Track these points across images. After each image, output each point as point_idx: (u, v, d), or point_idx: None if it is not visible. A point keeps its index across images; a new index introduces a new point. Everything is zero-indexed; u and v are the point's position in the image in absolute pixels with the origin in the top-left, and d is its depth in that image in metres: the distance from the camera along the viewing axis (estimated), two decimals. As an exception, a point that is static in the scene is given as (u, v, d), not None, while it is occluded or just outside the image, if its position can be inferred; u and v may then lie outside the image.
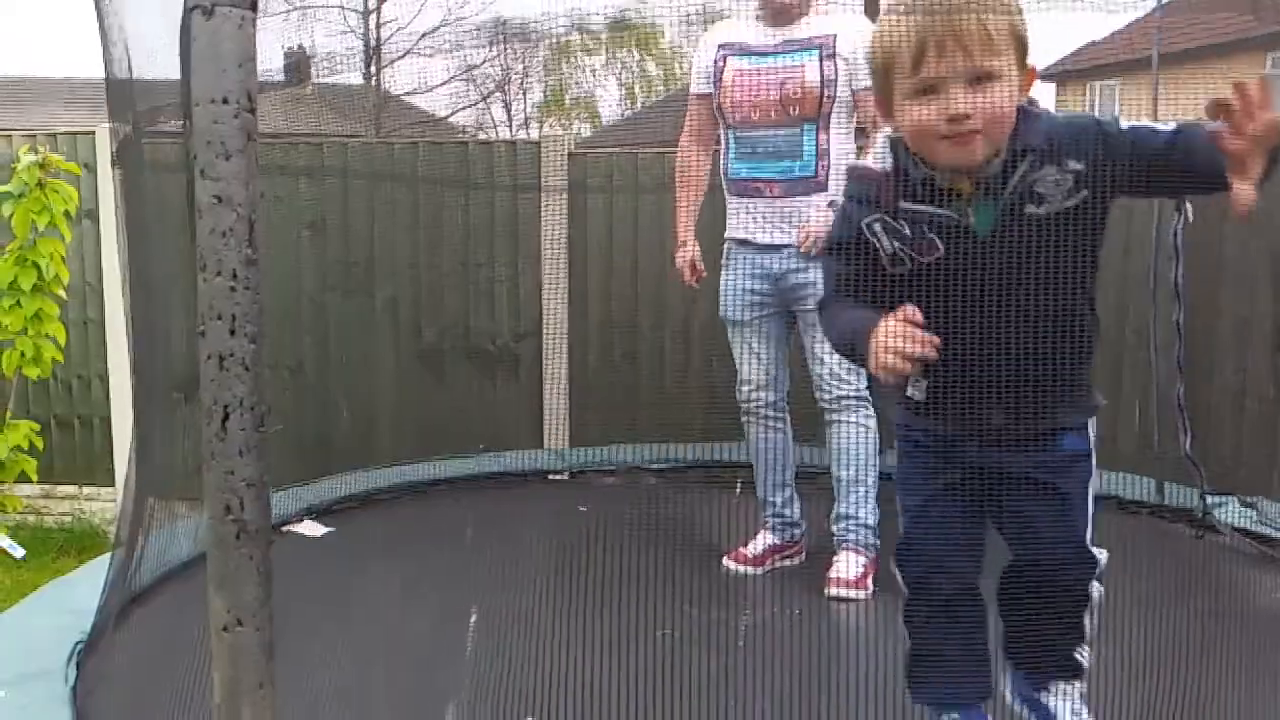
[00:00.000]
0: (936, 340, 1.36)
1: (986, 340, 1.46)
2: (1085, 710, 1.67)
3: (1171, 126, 1.42)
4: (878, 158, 1.54)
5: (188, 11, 1.09)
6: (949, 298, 1.46)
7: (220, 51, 1.05)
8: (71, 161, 4.14)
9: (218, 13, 1.05)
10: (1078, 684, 1.66)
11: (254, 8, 1.08)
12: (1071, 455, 1.58)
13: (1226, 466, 3.79)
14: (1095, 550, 1.61)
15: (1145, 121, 1.43)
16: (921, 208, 1.48)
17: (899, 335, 1.37)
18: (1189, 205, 3.58)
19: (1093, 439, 1.60)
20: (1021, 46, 1.43)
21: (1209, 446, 3.80)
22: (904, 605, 1.67)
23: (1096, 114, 1.46)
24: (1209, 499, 3.36)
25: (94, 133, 4.84)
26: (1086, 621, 1.64)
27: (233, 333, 1.07)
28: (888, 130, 1.52)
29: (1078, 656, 1.65)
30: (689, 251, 3.14)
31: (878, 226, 1.51)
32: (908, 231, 1.49)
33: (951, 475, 1.60)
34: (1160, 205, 3.55)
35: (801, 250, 2.91)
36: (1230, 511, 3.37)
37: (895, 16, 1.43)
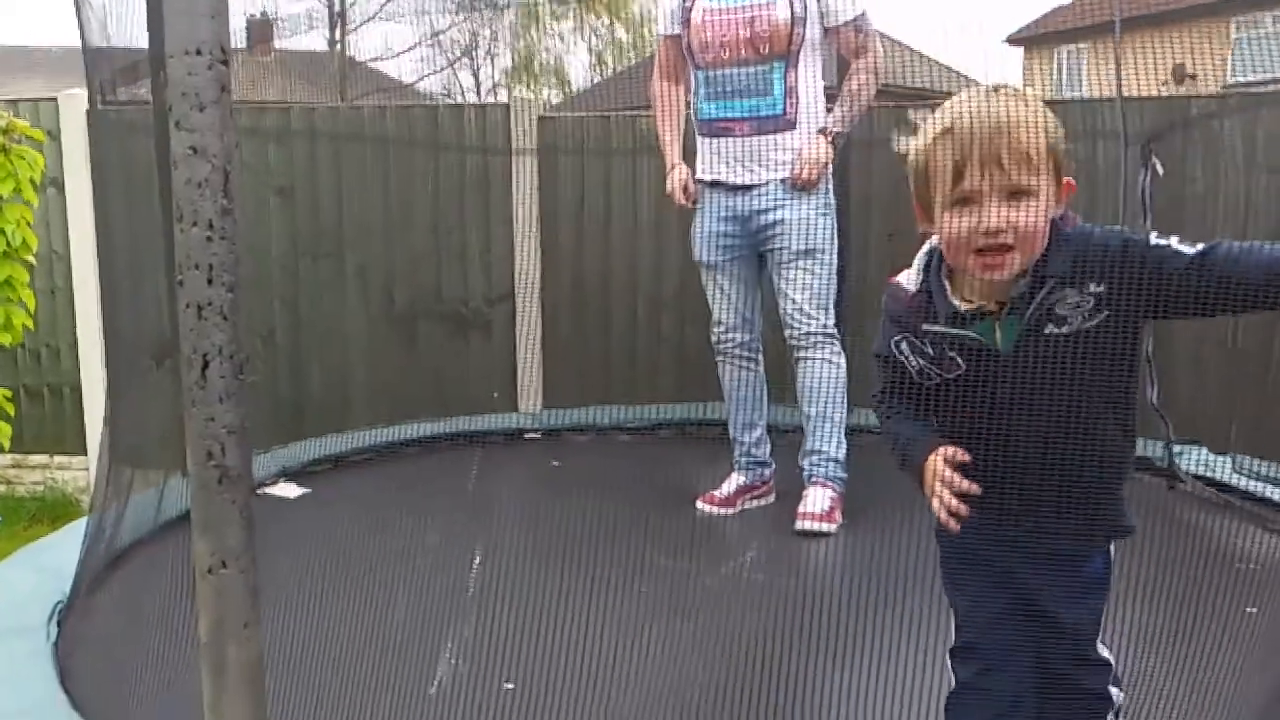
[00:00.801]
0: (975, 489, 1.46)
1: (1012, 456, 1.49)
2: None
3: (1198, 247, 1.40)
4: (912, 278, 1.57)
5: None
6: (975, 412, 1.52)
7: (193, 3, 1.06)
8: (35, 129, 4.10)
9: (189, -36, 1.06)
10: None
11: (225, -41, 1.09)
12: (1091, 579, 1.59)
13: (1188, 418, 3.89)
14: (1104, 651, 1.62)
15: (1172, 240, 1.42)
16: (943, 330, 1.52)
17: (942, 481, 1.48)
18: (1157, 160, 3.64)
19: (1114, 555, 1.61)
20: (1058, 164, 1.46)
21: (1175, 399, 3.88)
22: (950, 694, 1.67)
23: (1125, 231, 1.49)
24: (1174, 449, 3.43)
25: (56, 99, 4.79)
26: None
27: (210, 282, 1.09)
28: (932, 241, 1.55)
29: None
30: (680, 174, 3.14)
31: (904, 346, 1.57)
32: (931, 351, 1.54)
33: (984, 567, 1.61)
34: (1127, 158, 3.60)
35: (800, 182, 2.93)
36: (1194, 460, 3.45)
37: (942, 128, 1.46)
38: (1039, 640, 1.60)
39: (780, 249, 3.00)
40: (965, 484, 1.47)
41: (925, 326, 1.53)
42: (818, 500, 2.96)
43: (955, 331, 1.51)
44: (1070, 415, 1.48)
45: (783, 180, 2.96)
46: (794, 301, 3.00)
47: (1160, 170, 3.48)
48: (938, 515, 1.49)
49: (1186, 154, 4.10)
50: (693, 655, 2.16)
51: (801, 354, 3.04)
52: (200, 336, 1.09)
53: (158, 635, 1.94)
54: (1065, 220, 1.49)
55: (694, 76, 3.04)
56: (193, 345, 1.10)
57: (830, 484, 3.00)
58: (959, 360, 1.52)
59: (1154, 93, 4.32)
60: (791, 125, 2.93)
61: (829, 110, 3.01)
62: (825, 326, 3.01)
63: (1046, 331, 1.46)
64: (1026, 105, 1.44)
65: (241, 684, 1.11)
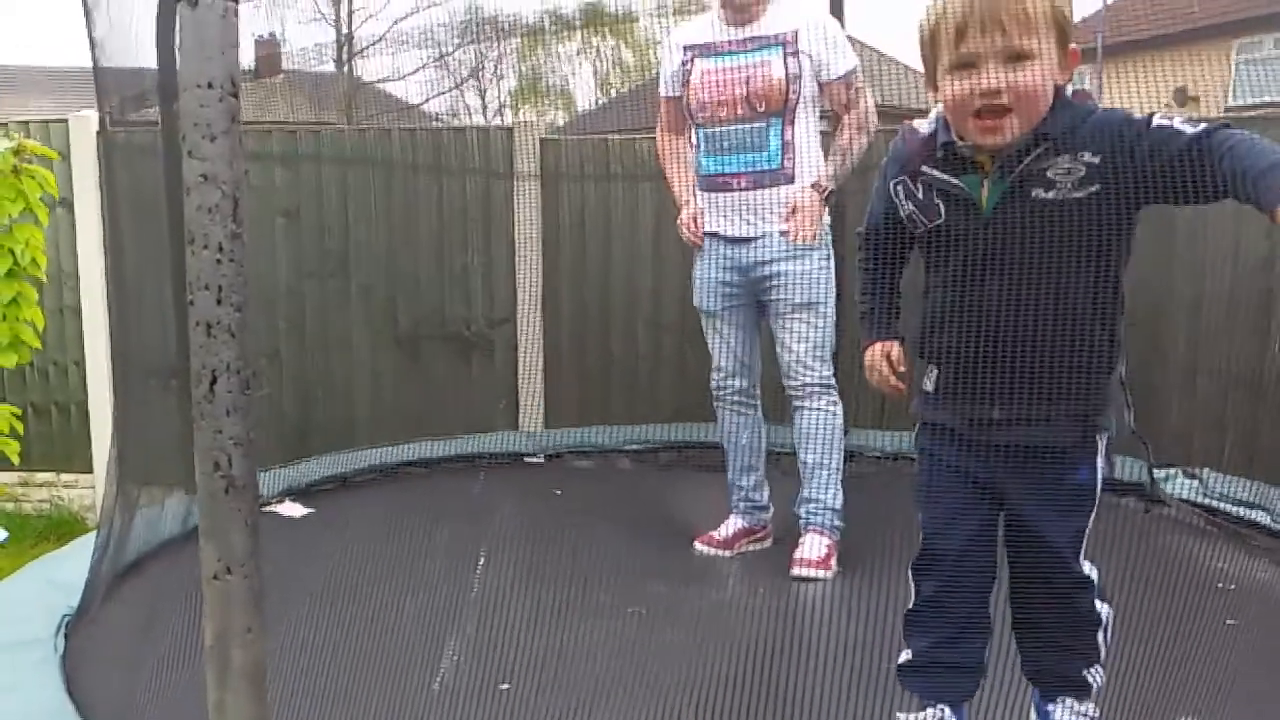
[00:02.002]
0: (902, 387, 1.63)
1: (985, 319, 1.52)
2: None
3: (1200, 128, 1.40)
4: (926, 125, 1.61)
5: (173, 1, 1.16)
6: (951, 267, 1.56)
7: (205, 39, 1.13)
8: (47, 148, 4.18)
9: (201, 3, 1.13)
10: (1087, 702, 1.67)
11: (236, -2, 1.15)
12: (1078, 488, 1.59)
13: (1177, 441, 3.93)
14: (1086, 567, 1.62)
15: (1175, 120, 1.43)
16: (937, 174, 1.56)
17: (875, 369, 1.68)
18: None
19: (1101, 467, 1.61)
20: (1061, 30, 1.49)
21: (1163, 422, 3.93)
22: (909, 609, 1.70)
23: (1127, 112, 1.49)
24: (1156, 472, 3.47)
25: (67, 120, 4.87)
26: (1099, 640, 1.65)
27: (219, 302, 1.15)
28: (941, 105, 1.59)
29: (1085, 676, 1.65)
30: (691, 208, 3.18)
31: (900, 188, 1.62)
32: (921, 196, 1.58)
33: (963, 480, 1.62)
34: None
35: (792, 241, 2.99)
36: (1177, 484, 3.49)
37: None
38: (1021, 556, 1.60)
39: (779, 300, 3.04)
40: (897, 382, 1.66)
41: (924, 168, 1.58)
42: (813, 547, 3.00)
43: (946, 178, 1.55)
44: (1043, 284, 1.49)
45: (782, 232, 3.01)
46: (793, 353, 3.04)
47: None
48: (871, 384, 1.67)
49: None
50: (679, 670, 2.20)
51: (800, 404, 3.08)
52: (209, 353, 1.15)
53: (164, 644, 1.99)
54: (1076, 96, 1.52)
55: (694, 134, 3.12)
56: (202, 361, 1.15)
57: (826, 532, 3.04)
58: (942, 209, 1.56)
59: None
60: (790, 179, 2.99)
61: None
62: (824, 377, 3.05)
63: (1033, 195, 1.48)
64: None
65: (244, 686, 1.17)
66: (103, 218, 4.68)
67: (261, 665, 1.19)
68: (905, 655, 1.72)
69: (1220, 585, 2.78)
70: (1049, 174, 1.47)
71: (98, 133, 4.68)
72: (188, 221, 1.14)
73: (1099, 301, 1.53)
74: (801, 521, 3.08)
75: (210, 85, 1.14)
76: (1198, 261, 4.03)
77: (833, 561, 2.99)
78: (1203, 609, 2.59)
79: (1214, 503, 3.33)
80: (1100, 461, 1.61)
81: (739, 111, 2.99)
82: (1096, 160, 1.45)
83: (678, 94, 3.13)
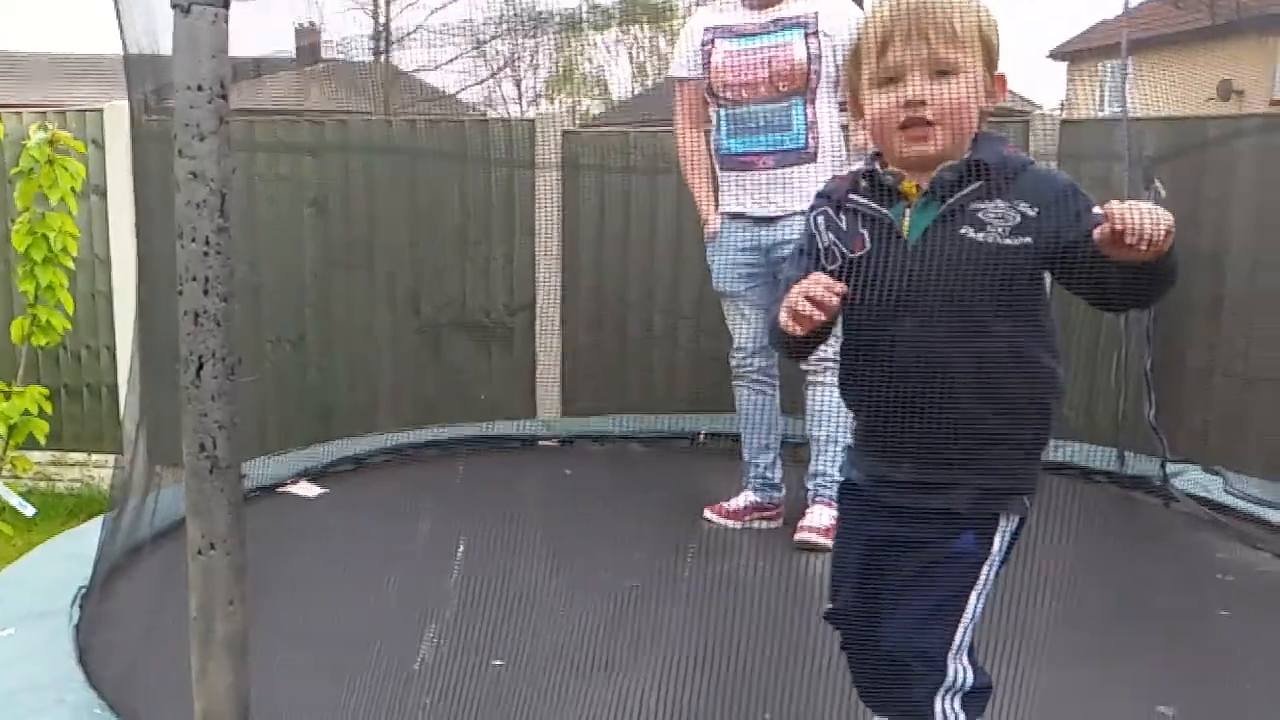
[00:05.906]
0: (842, 288, 1.39)
1: (898, 364, 1.42)
2: None
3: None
4: (860, 163, 1.55)
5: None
6: (868, 302, 1.43)
7: (196, 44, 1.19)
8: (80, 139, 4.30)
9: (193, 10, 1.19)
10: None
11: (226, 5, 1.21)
12: (954, 554, 1.45)
13: (1194, 438, 3.92)
14: (953, 664, 1.44)
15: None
16: (861, 200, 1.49)
17: (809, 283, 1.40)
18: (1159, 182, 3.69)
19: (999, 546, 1.46)
20: (988, 50, 1.44)
21: (1180, 419, 3.92)
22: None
23: (1072, 179, 1.42)
24: (1169, 467, 3.47)
25: (102, 110, 4.99)
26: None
27: (205, 292, 1.21)
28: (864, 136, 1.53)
29: None
30: (715, 221, 3.24)
31: (820, 220, 1.53)
32: (844, 225, 1.49)
33: (857, 546, 1.54)
34: (1129, 179, 3.64)
35: None
36: (1190, 480, 3.49)
37: (869, 11, 1.49)
38: (870, 612, 1.51)
39: None
40: (837, 285, 1.37)
41: (850, 196, 1.50)
42: (820, 517, 3.04)
43: (871, 205, 1.47)
44: (961, 329, 1.39)
45: (804, 211, 3.05)
46: None
47: (1163, 192, 3.53)
48: (790, 307, 1.40)
49: (1203, 174, 4.12)
50: (675, 646, 2.24)
51: (812, 379, 3.12)
52: (196, 341, 1.22)
53: (169, 616, 2.06)
54: (1003, 142, 1.45)
55: (716, 115, 3.16)
56: (189, 348, 1.22)
57: (834, 504, 3.07)
58: (867, 238, 1.46)
59: (1198, 110, 4.34)
60: (813, 157, 3.04)
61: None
62: (837, 353, 3.09)
63: (962, 231, 1.39)
64: None
65: (225, 655, 1.23)
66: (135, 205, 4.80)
67: (243, 636, 1.25)
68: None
69: (1219, 577, 2.80)
70: (981, 215, 1.39)
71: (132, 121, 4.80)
72: (177, 216, 1.21)
73: (1021, 362, 1.42)
74: (810, 494, 3.12)
75: (200, 88, 1.20)
76: (1218, 257, 4.01)
77: None
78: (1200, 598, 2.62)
79: (1226, 500, 3.33)
80: (999, 540, 1.46)
81: (762, 91, 3.04)
82: (1034, 213, 1.37)
83: (696, 75, 3.17)
